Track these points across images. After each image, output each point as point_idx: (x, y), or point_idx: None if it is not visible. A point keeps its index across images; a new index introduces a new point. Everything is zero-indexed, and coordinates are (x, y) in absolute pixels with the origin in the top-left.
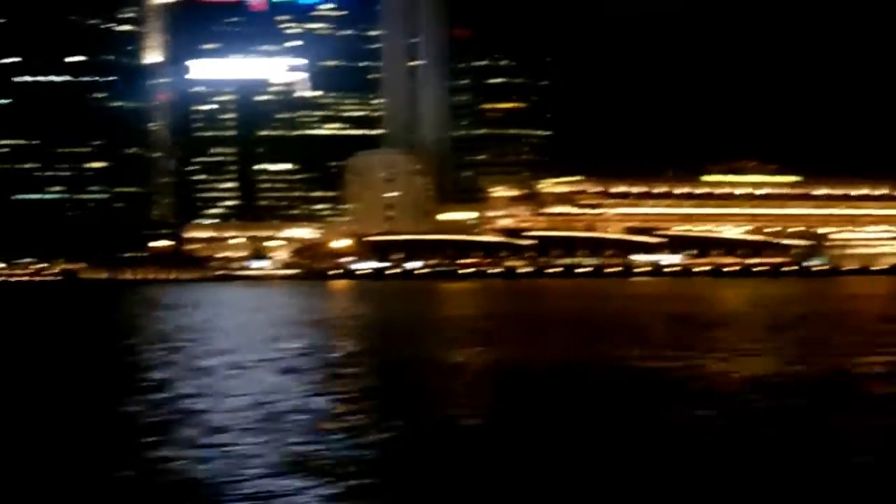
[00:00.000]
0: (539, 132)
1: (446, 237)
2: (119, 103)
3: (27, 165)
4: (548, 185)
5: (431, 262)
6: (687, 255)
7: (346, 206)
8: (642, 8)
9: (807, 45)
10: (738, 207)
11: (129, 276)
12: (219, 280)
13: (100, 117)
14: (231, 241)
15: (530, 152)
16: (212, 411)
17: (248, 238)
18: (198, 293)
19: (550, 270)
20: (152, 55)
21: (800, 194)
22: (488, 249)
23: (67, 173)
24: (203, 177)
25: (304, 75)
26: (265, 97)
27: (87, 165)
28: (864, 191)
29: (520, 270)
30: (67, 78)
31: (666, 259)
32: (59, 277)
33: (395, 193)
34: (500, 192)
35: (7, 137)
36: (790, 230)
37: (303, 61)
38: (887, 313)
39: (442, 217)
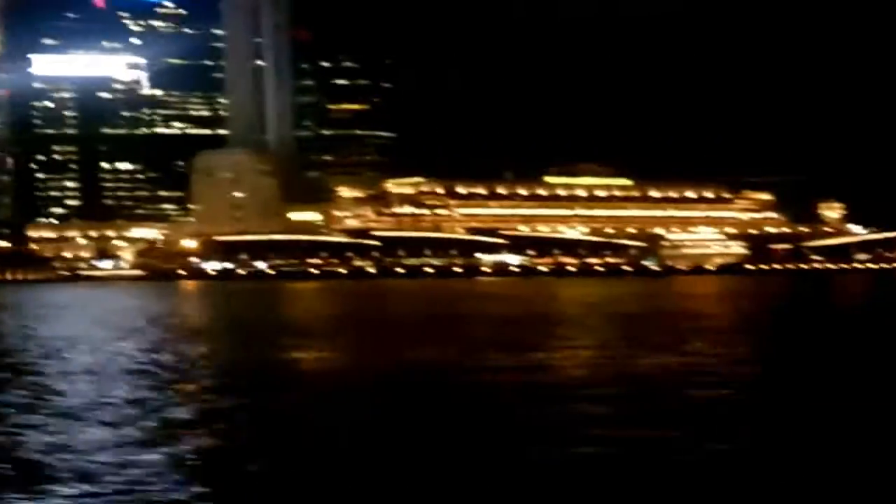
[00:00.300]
0: (383, 133)
1: (293, 237)
2: None
3: None
4: (393, 186)
5: (279, 262)
6: (529, 255)
7: (192, 206)
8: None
9: (634, 49)
10: (577, 209)
11: None
12: (63, 281)
13: None
14: (76, 241)
15: (375, 153)
16: None
17: (94, 238)
18: (36, 294)
19: (397, 270)
20: None
21: (635, 196)
22: (335, 250)
23: None
24: (44, 175)
25: (147, 73)
26: (108, 95)
27: None
28: (695, 193)
29: (366, 270)
30: None
31: (510, 259)
32: None
33: (241, 193)
34: (346, 192)
35: None
36: (627, 231)
37: (145, 60)
38: (698, 312)
39: (289, 217)
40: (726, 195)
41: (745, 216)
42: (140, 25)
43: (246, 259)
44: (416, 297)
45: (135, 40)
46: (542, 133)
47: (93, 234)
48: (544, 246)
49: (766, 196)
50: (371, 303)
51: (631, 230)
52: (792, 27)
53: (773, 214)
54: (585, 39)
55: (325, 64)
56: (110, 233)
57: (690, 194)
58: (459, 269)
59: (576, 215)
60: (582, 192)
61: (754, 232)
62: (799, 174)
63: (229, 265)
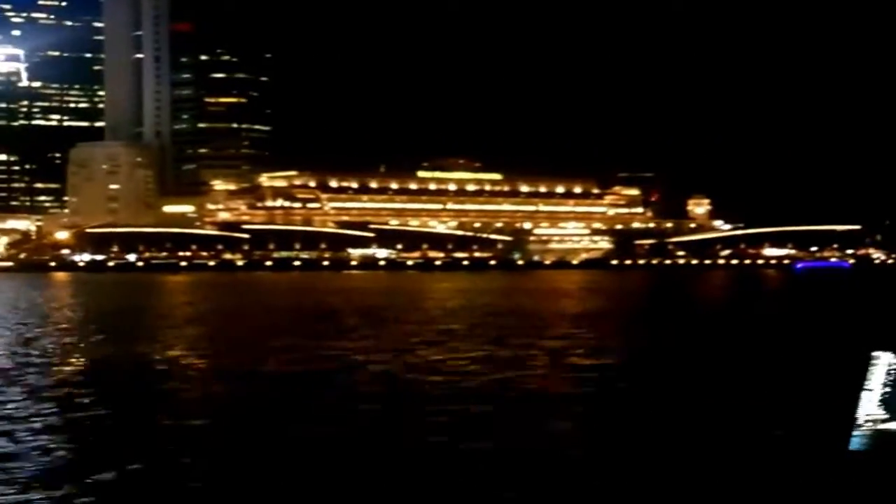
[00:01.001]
0: (259, 126)
1: (164, 230)
2: None
3: None
4: (266, 179)
5: (150, 254)
6: (397, 248)
7: (68, 198)
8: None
9: (506, 43)
10: (448, 203)
11: None
12: None
13: None
14: None
15: (250, 146)
16: None
17: None
18: None
19: (265, 263)
20: None
21: (505, 191)
22: (205, 242)
23: None
24: None
25: (25, 65)
26: None
27: None
28: (564, 188)
29: (235, 263)
30: None
31: (378, 253)
32: None
33: (116, 186)
34: (220, 185)
35: None
36: (495, 226)
37: (23, 51)
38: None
39: (163, 210)
40: (595, 190)
41: (613, 211)
42: (21, 17)
43: (116, 251)
44: (257, 290)
45: (15, 32)
46: (416, 128)
47: None
48: (413, 240)
49: (634, 191)
50: (222, 296)
51: (499, 225)
52: (662, 20)
53: (641, 210)
54: (457, 31)
55: (204, 57)
56: None
57: (560, 189)
58: (327, 263)
59: (446, 209)
60: (452, 187)
61: (620, 227)
62: (668, 169)
63: (99, 257)
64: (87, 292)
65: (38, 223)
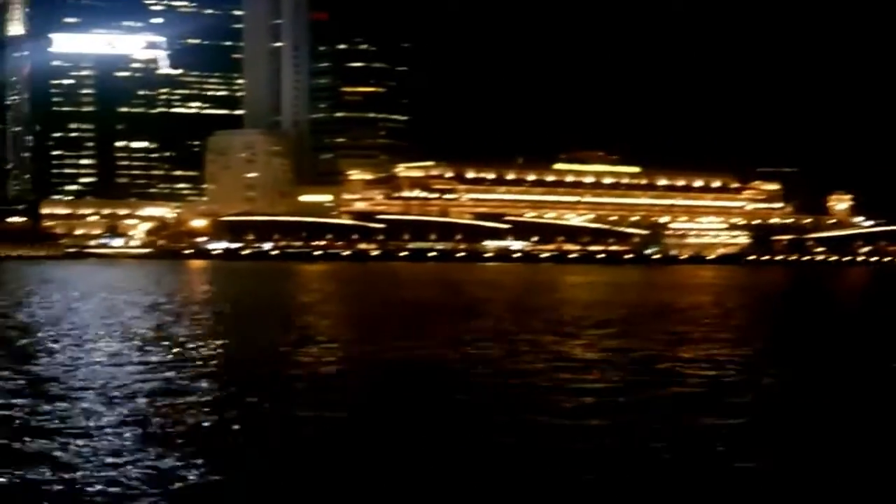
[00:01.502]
0: (396, 116)
1: (300, 219)
2: None
3: None
4: (403, 170)
5: (285, 243)
6: (532, 241)
7: (206, 186)
8: None
9: (653, 41)
10: (585, 196)
11: None
12: (70, 258)
13: None
14: (88, 219)
15: (387, 136)
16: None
17: (105, 215)
18: (40, 271)
19: (399, 254)
20: (13, 27)
21: (642, 184)
22: (340, 232)
23: None
24: (60, 152)
25: (166, 52)
26: (126, 73)
27: None
28: (703, 182)
29: (369, 253)
30: None
31: (514, 245)
32: None
33: (253, 174)
34: (356, 175)
35: None
36: (631, 219)
37: (165, 38)
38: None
39: (300, 199)
40: (734, 185)
41: (752, 206)
42: (161, 5)
43: (251, 239)
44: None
45: (156, 20)
46: (554, 119)
47: (105, 211)
48: (548, 232)
49: (773, 186)
50: (360, 285)
51: (635, 218)
52: (805, 17)
53: (780, 205)
54: (601, 26)
55: (342, 46)
56: (123, 211)
57: (698, 183)
58: (462, 254)
59: (582, 202)
60: (589, 180)
61: (758, 222)
62: (809, 164)
63: (235, 245)
64: (221, 280)
65: (177, 211)
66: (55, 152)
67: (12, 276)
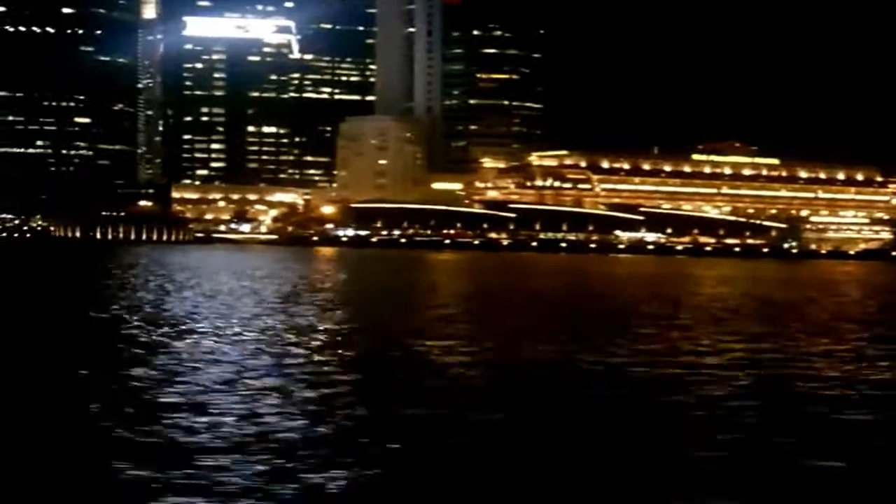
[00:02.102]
0: (530, 104)
1: (430, 207)
2: (108, 58)
3: (11, 118)
4: (536, 158)
5: (414, 231)
6: (667, 233)
7: (336, 172)
8: None
9: (797, 32)
10: (722, 188)
11: (100, 235)
12: (198, 243)
13: (88, 72)
14: (217, 204)
15: (521, 124)
16: None
17: (234, 201)
18: (169, 256)
19: (531, 244)
20: (147, 10)
21: (782, 176)
22: (471, 221)
23: (52, 128)
24: (191, 136)
25: (297, 37)
26: (257, 58)
27: (74, 120)
28: (844, 175)
29: (500, 243)
30: (56, 30)
31: (647, 236)
32: (29, 235)
33: (385, 161)
34: (489, 163)
35: None
36: (770, 212)
37: (297, 23)
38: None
39: (432, 186)
40: (878, 178)
41: None
42: None
43: (380, 226)
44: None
45: (288, 3)
46: (690, 109)
47: (234, 196)
48: (683, 224)
49: None
50: (494, 276)
51: (773, 211)
52: None
53: None
54: (741, 11)
55: (476, 32)
56: (252, 196)
57: (840, 176)
58: (594, 245)
59: (720, 194)
60: (727, 171)
61: None
62: None
63: (363, 232)
64: (349, 268)
65: (307, 197)
66: (186, 136)
67: (145, 262)
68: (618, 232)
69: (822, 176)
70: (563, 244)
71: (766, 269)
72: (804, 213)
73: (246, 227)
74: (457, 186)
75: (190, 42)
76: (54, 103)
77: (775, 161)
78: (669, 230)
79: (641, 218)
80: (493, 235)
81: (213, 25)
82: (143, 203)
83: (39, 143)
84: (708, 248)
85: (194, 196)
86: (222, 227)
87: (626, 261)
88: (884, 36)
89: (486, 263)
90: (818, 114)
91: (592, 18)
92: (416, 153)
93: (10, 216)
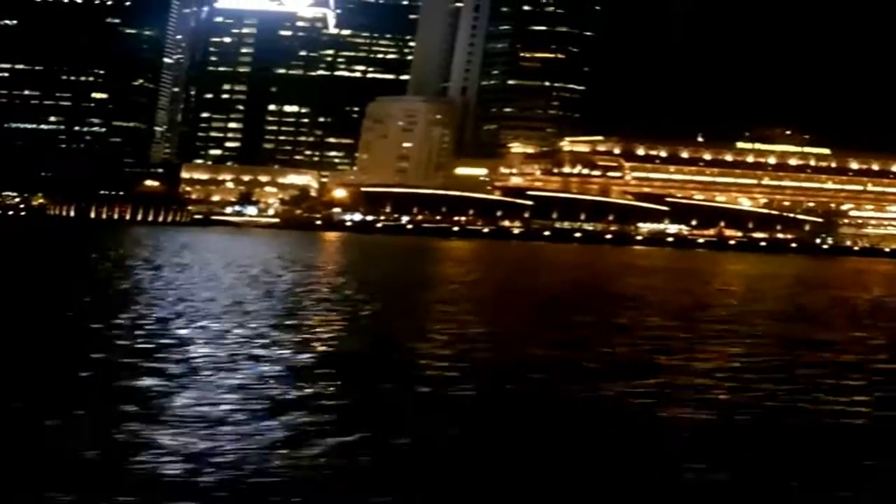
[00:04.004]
0: (573, 86)
1: (441, 192)
2: (134, 31)
3: (27, 92)
4: (568, 144)
5: (422, 217)
6: (691, 225)
7: (358, 155)
8: None
9: (861, 15)
10: (764, 179)
11: (94, 214)
12: (195, 225)
13: (111, 45)
14: (226, 185)
15: (560, 107)
16: None
17: (244, 182)
18: (154, 238)
19: (543, 234)
20: None
21: (831, 167)
22: (483, 208)
23: (68, 103)
24: (208, 115)
25: (335, 11)
26: (289, 32)
27: (90, 96)
28: None
29: (510, 231)
30: (84, 1)
31: (669, 228)
32: (25, 213)
33: (409, 144)
34: (517, 148)
35: (10, 62)
36: (807, 205)
37: None
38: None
39: (456, 171)
40: None
41: None
42: None
43: (388, 212)
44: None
45: None
46: (742, 95)
47: (245, 178)
48: (709, 216)
49: None
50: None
51: (811, 204)
52: None
53: None
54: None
55: (526, 7)
56: (264, 178)
57: (894, 168)
58: (610, 236)
59: (760, 185)
60: (772, 160)
61: None
62: None
63: (370, 217)
64: (334, 253)
65: (323, 179)
66: (204, 115)
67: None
68: (639, 223)
69: (875, 167)
70: (578, 234)
71: (780, 264)
72: (847, 206)
73: (252, 210)
74: (482, 172)
75: (221, 15)
76: (72, 77)
77: (825, 151)
78: (694, 222)
79: (665, 208)
80: (506, 223)
81: None
82: (149, 183)
83: (53, 118)
84: (732, 242)
85: (204, 176)
86: (228, 210)
87: (641, 253)
88: None
89: (486, 252)
90: (881, 103)
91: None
92: (444, 136)
93: (13, 193)
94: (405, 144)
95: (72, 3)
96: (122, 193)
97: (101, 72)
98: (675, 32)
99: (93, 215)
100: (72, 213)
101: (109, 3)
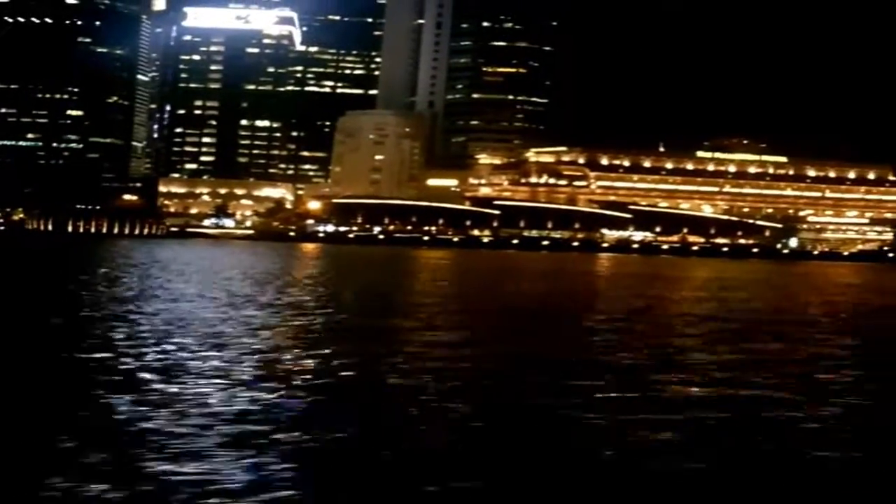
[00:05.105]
0: (536, 99)
1: (412, 203)
2: (105, 49)
3: (4, 110)
4: (533, 154)
5: (393, 227)
6: (655, 231)
7: (332, 167)
8: None
9: (811, 27)
10: (725, 186)
11: (72, 228)
12: (172, 237)
13: (84, 63)
14: (202, 198)
15: (525, 119)
16: None
17: (220, 195)
18: (128, 252)
19: (512, 242)
20: (157, 1)
21: (789, 175)
22: (453, 217)
23: (44, 120)
24: (182, 130)
25: (301, 29)
26: (256, 50)
27: (66, 113)
28: (854, 174)
29: (480, 240)
30: (55, 21)
31: (635, 235)
32: (3, 227)
33: (381, 156)
34: (485, 159)
35: None
36: (766, 211)
37: (305, 14)
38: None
39: (427, 182)
40: (891, 177)
41: None
42: None
43: (360, 223)
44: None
45: None
46: (701, 106)
47: (221, 191)
48: (672, 223)
49: None
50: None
51: (770, 210)
52: None
53: None
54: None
55: (486, 24)
56: (239, 191)
57: (851, 175)
58: (577, 244)
59: (722, 193)
60: (732, 169)
61: None
62: None
63: (342, 228)
64: (300, 264)
65: (299, 192)
66: (178, 130)
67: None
68: (604, 230)
69: (832, 175)
70: (546, 242)
71: (740, 269)
72: (807, 212)
73: (230, 223)
74: (452, 183)
75: (189, 33)
76: (48, 95)
77: (783, 159)
78: (658, 229)
79: (629, 216)
80: (476, 233)
81: (214, 16)
82: (128, 197)
83: (31, 135)
84: (695, 248)
85: (181, 190)
86: (206, 222)
87: (608, 259)
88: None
89: (456, 261)
90: (834, 111)
91: (605, 11)
92: (415, 149)
93: None
94: (377, 157)
95: (43, 23)
96: (98, 207)
97: (76, 90)
98: (633, 46)
99: (70, 229)
100: (49, 228)
101: (80, 23)
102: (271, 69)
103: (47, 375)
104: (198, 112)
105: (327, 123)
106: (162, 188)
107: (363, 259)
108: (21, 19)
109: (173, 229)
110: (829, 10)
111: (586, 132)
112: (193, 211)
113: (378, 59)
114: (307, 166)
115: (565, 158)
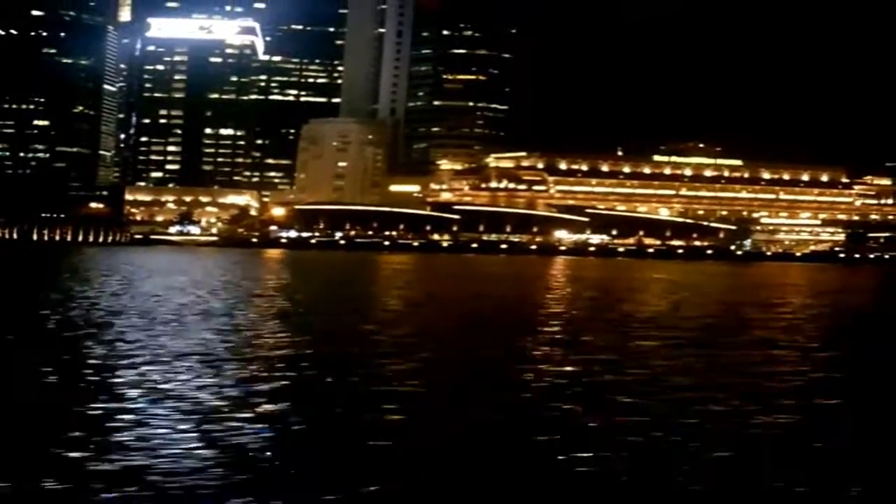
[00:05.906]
0: (495, 106)
1: (372, 208)
2: (70, 60)
3: None
4: (493, 160)
5: (354, 232)
6: (612, 234)
7: (296, 175)
8: None
9: (764, 32)
10: (682, 189)
11: (37, 237)
12: (136, 244)
13: (49, 74)
14: (168, 206)
15: (485, 126)
16: None
17: (185, 203)
18: (89, 260)
19: (471, 246)
20: (123, 13)
21: (744, 178)
22: (413, 222)
23: (11, 131)
24: (147, 139)
25: (264, 38)
26: (219, 59)
27: (32, 123)
28: (808, 177)
29: (439, 244)
30: (19, 32)
31: (592, 238)
32: None
33: (344, 163)
34: (446, 165)
35: None
36: (721, 213)
37: (267, 24)
38: None
39: (390, 189)
40: (843, 179)
41: (861, 202)
42: None
43: (322, 228)
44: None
45: (259, 4)
46: (657, 110)
47: (186, 198)
48: (628, 225)
49: (885, 182)
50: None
51: (724, 213)
52: None
53: (892, 201)
54: (706, 11)
55: (446, 32)
56: (204, 198)
57: (804, 177)
58: (535, 247)
59: (679, 196)
60: (688, 172)
61: (857, 219)
62: None
63: (305, 234)
64: (261, 269)
65: (264, 199)
66: (143, 139)
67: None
68: (558, 233)
69: (786, 177)
70: (504, 246)
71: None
72: (761, 214)
73: (195, 229)
74: (415, 189)
75: (153, 44)
76: (14, 106)
77: (738, 162)
78: (615, 232)
79: (586, 219)
80: (435, 237)
81: (177, 27)
82: (94, 205)
83: None
84: (651, 250)
85: (147, 198)
86: (171, 230)
87: (565, 262)
88: (854, 32)
89: (416, 265)
90: (788, 115)
91: (563, 19)
92: (377, 155)
93: None
94: (340, 164)
95: (9, 34)
96: (63, 216)
97: (42, 100)
98: (591, 52)
99: (35, 237)
100: (15, 236)
101: (46, 34)
102: (235, 78)
103: None
104: (163, 121)
105: (291, 131)
106: (128, 196)
107: (323, 264)
108: None
109: (137, 237)
110: (782, 15)
111: (545, 137)
112: (159, 218)
113: (340, 68)
114: (272, 174)
115: (524, 163)
